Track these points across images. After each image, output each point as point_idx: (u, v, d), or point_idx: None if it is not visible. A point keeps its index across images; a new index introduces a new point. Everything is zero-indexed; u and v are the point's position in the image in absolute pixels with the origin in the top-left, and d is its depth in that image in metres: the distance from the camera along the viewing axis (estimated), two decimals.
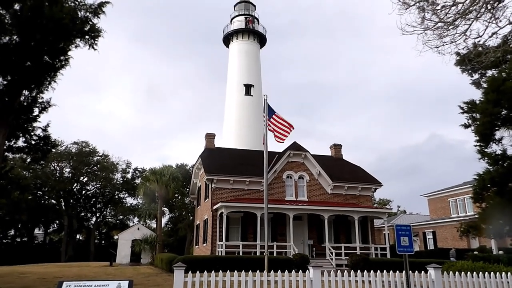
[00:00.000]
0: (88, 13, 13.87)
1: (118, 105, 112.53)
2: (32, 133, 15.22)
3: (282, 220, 23.94)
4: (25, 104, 14.21)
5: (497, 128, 19.69)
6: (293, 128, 15.11)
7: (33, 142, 15.27)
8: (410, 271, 9.00)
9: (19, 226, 48.48)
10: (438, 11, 7.26)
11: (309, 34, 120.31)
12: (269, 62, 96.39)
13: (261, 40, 40.90)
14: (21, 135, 14.88)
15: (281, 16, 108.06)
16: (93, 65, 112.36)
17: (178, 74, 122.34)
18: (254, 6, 41.85)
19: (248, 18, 40.10)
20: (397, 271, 9.41)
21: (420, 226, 39.84)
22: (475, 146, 20.55)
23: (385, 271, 9.35)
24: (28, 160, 20.49)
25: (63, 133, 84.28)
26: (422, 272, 9.57)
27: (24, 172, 44.86)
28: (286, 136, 14.98)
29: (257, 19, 41.03)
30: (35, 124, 15.13)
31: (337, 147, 31.37)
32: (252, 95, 36.87)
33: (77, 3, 13.58)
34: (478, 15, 7.07)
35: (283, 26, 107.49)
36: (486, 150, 20.23)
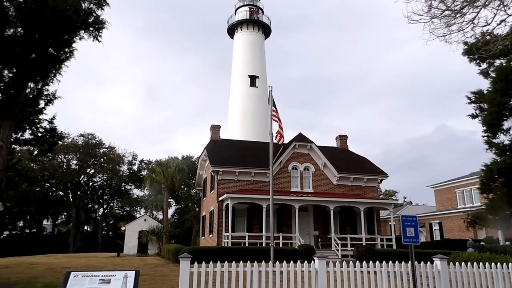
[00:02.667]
0: (92, 5, 13.83)
1: (124, 98, 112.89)
2: (39, 126, 15.29)
3: (288, 211, 23.99)
4: (30, 96, 14.27)
5: (505, 118, 19.46)
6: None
7: (39, 134, 15.35)
8: (416, 262, 8.98)
9: (28, 217, 49.07)
10: None
11: (314, 27, 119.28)
12: (275, 54, 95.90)
13: (266, 31, 40.59)
14: (27, 127, 14.95)
15: (286, 8, 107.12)
16: (99, 58, 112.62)
17: (184, 67, 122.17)
18: None
19: (252, 9, 39.76)
20: (403, 262, 9.39)
21: (427, 217, 39.75)
22: (483, 136, 20.36)
23: (390, 261, 9.33)
24: (35, 152, 20.68)
25: (70, 125, 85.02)
26: (428, 262, 9.54)
27: (32, 164, 45.28)
28: (283, 137, 15.32)
29: (262, 10, 40.69)
30: (41, 117, 15.19)
31: (342, 138, 31.22)
32: (257, 87, 36.73)
33: None
34: (486, 2, 6.92)
35: (288, 19, 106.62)
36: (493, 140, 20.03)
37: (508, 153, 19.40)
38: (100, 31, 14.14)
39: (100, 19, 14.01)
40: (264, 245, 20.90)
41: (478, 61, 20.08)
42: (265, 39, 40.94)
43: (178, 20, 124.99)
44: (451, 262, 9.80)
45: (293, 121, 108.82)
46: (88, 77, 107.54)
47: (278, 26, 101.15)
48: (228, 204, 22.46)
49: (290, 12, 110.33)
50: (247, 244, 21.27)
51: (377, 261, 9.28)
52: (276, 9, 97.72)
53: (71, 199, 49.35)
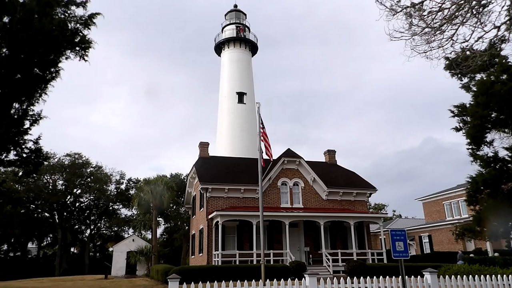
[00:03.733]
0: (78, 25, 13.85)
1: (111, 116, 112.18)
2: (24, 146, 15.02)
3: (278, 227, 23.86)
4: (15, 117, 14.07)
5: (488, 130, 19.86)
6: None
7: (24, 155, 15.07)
8: (406, 276, 8.98)
9: (12, 240, 47.78)
10: (425, 16, 7.35)
11: (301, 42, 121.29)
12: (262, 70, 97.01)
13: (253, 48, 41.12)
14: (12, 148, 14.67)
15: (273, 25, 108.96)
16: (87, 76, 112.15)
17: (172, 84, 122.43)
18: (245, 14, 42.14)
19: (239, 27, 40.32)
20: (393, 277, 9.39)
21: (416, 230, 39.89)
22: (467, 149, 20.69)
23: (381, 276, 9.32)
24: (20, 173, 20.26)
25: (57, 144, 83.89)
26: (418, 276, 9.55)
27: (17, 186, 44.29)
28: (271, 154, 15.48)
29: (248, 28, 41.30)
30: (26, 137, 14.92)
31: (331, 153, 31.44)
32: (245, 103, 36.94)
33: (67, 14, 13.56)
34: (464, 20, 7.17)
35: (276, 34, 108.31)
36: (478, 152, 20.36)
37: (492, 164, 19.73)
38: (87, 50, 14.14)
39: (87, 38, 14.03)
40: (255, 262, 20.66)
41: (459, 75, 20.57)
42: (252, 56, 41.43)
43: (166, 37, 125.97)
44: (441, 276, 9.83)
45: (282, 135, 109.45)
46: (74, 95, 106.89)
47: (266, 42, 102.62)
48: (217, 221, 22.25)
49: (278, 28, 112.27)
50: (237, 262, 21.00)
51: (368, 277, 9.26)
52: (263, 25, 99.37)
53: (57, 221, 48.27)
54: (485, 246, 29.64)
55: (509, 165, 19.68)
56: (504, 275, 10.18)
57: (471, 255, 26.00)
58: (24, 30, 12.15)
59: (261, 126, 15.15)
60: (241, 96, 37.13)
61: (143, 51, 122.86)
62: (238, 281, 8.35)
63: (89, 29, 14.01)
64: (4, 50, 12.62)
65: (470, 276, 9.87)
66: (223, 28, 41.03)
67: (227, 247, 23.09)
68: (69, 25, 13.57)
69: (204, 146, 28.81)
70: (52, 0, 12.66)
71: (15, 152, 14.89)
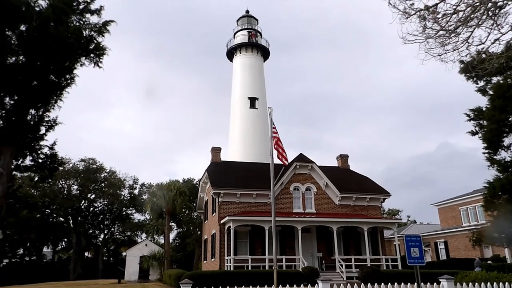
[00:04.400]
0: (93, 32, 14.11)
1: (125, 121, 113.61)
2: (39, 152, 15.33)
3: (290, 232, 23.69)
4: (31, 123, 14.35)
5: (505, 135, 19.47)
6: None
7: (40, 160, 15.37)
8: (422, 283, 8.80)
9: (28, 245, 48.49)
10: (439, 19, 7.25)
11: (313, 46, 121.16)
12: (275, 74, 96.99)
13: (265, 53, 41.22)
14: (28, 153, 14.99)
15: (285, 29, 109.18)
16: (100, 82, 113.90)
17: (185, 90, 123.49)
18: (257, 20, 42.32)
19: (251, 32, 40.50)
20: (409, 283, 9.22)
21: (432, 236, 39.19)
22: (484, 153, 20.33)
23: (396, 283, 9.16)
24: (36, 178, 20.62)
25: (72, 150, 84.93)
26: (435, 283, 9.36)
27: (32, 191, 45.11)
28: (287, 159, 15.42)
29: (260, 33, 41.44)
30: (42, 143, 15.25)
31: (343, 158, 31.18)
32: (257, 108, 36.98)
33: (82, 22, 13.83)
34: (480, 22, 7.04)
35: (288, 39, 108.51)
36: (495, 157, 19.98)
37: (510, 169, 19.32)
38: (101, 57, 14.40)
39: (101, 45, 14.28)
40: (267, 268, 20.54)
41: (475, 79, 20.26)
42: (264, 61, 41.53)
43: (179, 43, 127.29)
44: (458, 283, 9.61)
45: (294, 140, 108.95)
46: (88, 101, 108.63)
47: (278, 46, 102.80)
48: (230, 226, 22.22)
49: (290, 32, 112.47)
50: (249, 268, 20.91)
51: (382, 283, 9.11)
52: (275, 29, 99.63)
53: (71, 225, 48.91)
54: (503, 253, 28.94)
55: None
56: None
57: (489, 262, 25.38)
58: (40, 38, 12.41)
59: (274, 131, 15.11)
60: (253, 101, 37.20)
61: (156, 55, 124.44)
62: (250, 286, 8.30)
63: (103, 36, 14.27)
64: (21, 58, 12.91)
65: (488, 283, 9.62)
66: (235, 34, 41.26)
67: (239, 252, 23.02)
68: (84, 32, 13.83)
69: (216, 151, 28.90)
70: (68, 8, 12.92)
71: (31, 158, 15.19)
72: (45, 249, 52.83)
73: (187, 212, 46.15)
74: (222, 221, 23.44)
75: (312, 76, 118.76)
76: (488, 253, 31.74)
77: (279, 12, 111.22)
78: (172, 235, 46.42)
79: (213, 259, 25.04)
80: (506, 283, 9.76)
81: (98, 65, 14.37)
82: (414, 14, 7.33)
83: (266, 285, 8.15)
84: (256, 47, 40.23)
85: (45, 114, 14.67)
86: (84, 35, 13.78)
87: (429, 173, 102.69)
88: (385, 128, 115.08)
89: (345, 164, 30.97)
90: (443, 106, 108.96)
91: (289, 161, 26.69)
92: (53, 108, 14.67)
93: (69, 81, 14.10)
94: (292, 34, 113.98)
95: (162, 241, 42.81)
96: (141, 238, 50.25)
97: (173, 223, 44.70)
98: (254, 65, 39.55)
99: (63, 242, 53.76)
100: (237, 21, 42.24)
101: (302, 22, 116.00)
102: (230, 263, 21.58)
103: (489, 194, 20.30)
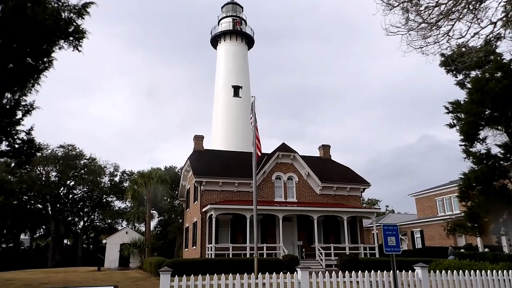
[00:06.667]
0: (72, 14, 13.65)
1: (109, 108, 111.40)
2: (16, 137, 14.88)
3: (272, 221, 23.92)
4: (7, 107, 13.91)
5: (481, 127, 20.00)
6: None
7: (16, 146, 14.93)
8: (398, 271, 9.05)
9: (4, 231, 47.47)
10: (422, 11, 7.33)
11: (301, 38, 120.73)
12: (261, 64, 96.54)
13: (249, 41, 40.90)
14: (4, 139, 14.52)
15: (274, 20, 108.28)
16: (84, 68, 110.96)
17: (168, 77, 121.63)
18: (242, 7, 41.85)
19: (235, 20, 40.06)
20: (385, 271, 9.46)
21: (408, 226, 40.22)
22: (460, 145, 20.84)
23: (372, 271, 9.39)
24: (13, 164, 20.07)
25: (54, 136, 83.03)
26: (410, 271, 9.63)
27: (9, 177, 43.92)
28: (260, 149, 15.53)
29: (245, 21, 41.04)
30: (18, 128, 14.78)
31: (325, 148, 31.51)
32: (240, 97, 36.82)
33: (60, 4, 13.36)
34: (461, 16, 7.16)
35: (274, 29, 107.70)
36: (471, 149, 20.52)
37: (484, 161, 19.90)
38: (81, 40, 13.97)
39: (81, 28, 13.84)
40: (248, 256, 20.73)
41: (454, 72, 20.65)
42: (249, 49, 41.22)
43: (162, 31, 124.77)
44: (431, 270, 9.92)
45: (279, 130, 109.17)
46: (72, 87, 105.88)
47: (264, 36, 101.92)
48: (211, 215, 22.26)
49: (276, 23, 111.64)
50: (231, 256, 21.06)
51: (360, 271, 9.31)
52: (264, 20, 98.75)
53: (50, 212, 48.02)
54: (476, 242, 29.98)
55: (501, 162, 19.88)
56: (494, 271, 10.30)
57: (462, 250, 26.29)
58: (17, 19, 11.95)
59: (254, 119, 15.09)
60: (236, 89, 36.99)
61: (142, 43, 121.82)
62: (231, 274, 8.37)
63: (83, 18, 13.83)
64: None
65: (460, 271, 9.97)
66: (219, 21, 40.74)
67: (221, 240, 23.13)
68: (62, 14, 13.38)
69: (199, 139, 28.73)
70: None
71: (7, 143, 14.73)
72: (22, 236, 51.83)
73: (168, 200, 45.94)
74: (203, 209, 23.45)
75: (298, 67, 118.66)
76: (462, 242, 32.83)
77: (268, 2, 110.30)
78: (153, 223, 46.21)
79: (194, 247, 25.09)
80: (477, 271, 10.12)
81: (77, 49, 13.94)
82: (398, 5, 7.39)
83: (246, 273, 8.24)
84: (241, 35, 39.86)
85: (21, 98, 14.20)
86: (63, 17, 13.32)
87: (410, 164, 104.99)
88: (369, 120, 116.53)
89: (327, 154, 31.31)
90: (425, 99, 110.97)
91: (268, 152, 26.86)
92: (30, 92, 14.21)
93: (47, 65, 13.65)
94: (280, 25, 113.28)
95: (143, 229, 42.58)
96: (122, 226, 49.81)
97: (154, 211, 44.42)
98: (238, 53, 39.23)
99: (41, 230, 52.85)
100: (222, 7, 41.67)
101: (288, 13, 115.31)
102: (211, 251, 21.68)
103: (464, 185, 20.90)
